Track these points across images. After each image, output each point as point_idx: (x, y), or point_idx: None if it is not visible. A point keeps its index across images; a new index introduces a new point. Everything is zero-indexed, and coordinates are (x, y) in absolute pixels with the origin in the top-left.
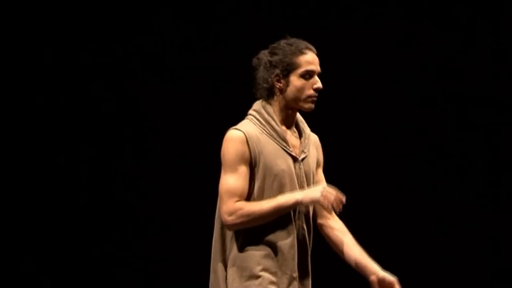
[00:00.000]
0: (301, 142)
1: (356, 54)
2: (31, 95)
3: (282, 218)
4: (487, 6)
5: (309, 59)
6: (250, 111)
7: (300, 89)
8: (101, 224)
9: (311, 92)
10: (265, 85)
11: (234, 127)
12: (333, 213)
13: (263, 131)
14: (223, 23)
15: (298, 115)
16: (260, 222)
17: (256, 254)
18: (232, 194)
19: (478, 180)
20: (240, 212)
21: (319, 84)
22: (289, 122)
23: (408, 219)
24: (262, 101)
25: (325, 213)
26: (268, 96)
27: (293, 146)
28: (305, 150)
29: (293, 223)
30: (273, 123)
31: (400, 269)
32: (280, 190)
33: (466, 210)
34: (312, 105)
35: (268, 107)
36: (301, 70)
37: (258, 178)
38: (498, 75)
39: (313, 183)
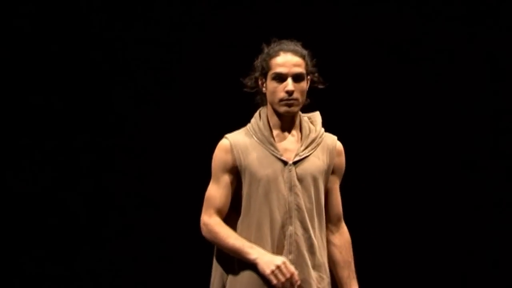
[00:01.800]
0: (300, 145)
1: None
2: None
3: (268, 223)
4: None
5: (280, 62)
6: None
7: (273, 92)
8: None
9: (283, 95)
10: (247, 89)
11: (226, 135)
12: (340, 226)
13: (254, 137)
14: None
15: (313, 116)
16: (221, 247)
17: (247, 273)
18: (210, 203)
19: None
20: (210, 227)
21: (288, 87)
22: (284, 125)
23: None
24: (263, 106)
25: (330, 226)
26: (264, 100)
27: (286, 150)
28: (301, 153)
29: (284, 231)
30: (262, 127)
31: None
32: (266, 196)
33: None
34: (288, 108)
35: (263, 112)
36: (271, 73)
37: (245, 185)
38: None
39: (314, 188)
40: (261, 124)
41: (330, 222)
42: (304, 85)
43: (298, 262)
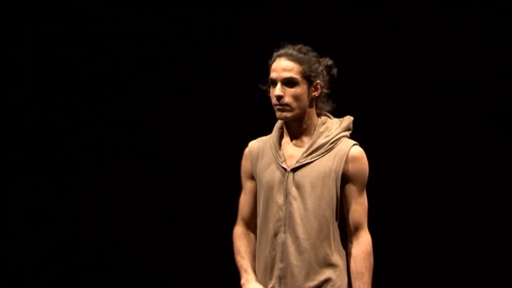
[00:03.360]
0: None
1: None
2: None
3: (265, 230)
4: None
5: (273, 67)
6: None
7: (271, 97)
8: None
9: (274, 100)
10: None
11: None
12: (359, 235)
13: (268, 143)
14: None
15: (341, 120)
16: None
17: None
18: (240, 211)
19: None
20: (233, 237)
21: (275, 92)
22: (292, 131)
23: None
24: None
25: (349, 235)
26: None
27: (291, 157)
28: (301, 160)
29: (275, 238)
30: (273, 134)
31: None
32: (265, 203)
33: None
34: (281, 113)
35: None
36: (269, 78)
37: (258, 191)
38: None
39: (314, 195)
40: (274, 129)
41: (349, 231)
42: (299, 89)
43: (287, 270)
